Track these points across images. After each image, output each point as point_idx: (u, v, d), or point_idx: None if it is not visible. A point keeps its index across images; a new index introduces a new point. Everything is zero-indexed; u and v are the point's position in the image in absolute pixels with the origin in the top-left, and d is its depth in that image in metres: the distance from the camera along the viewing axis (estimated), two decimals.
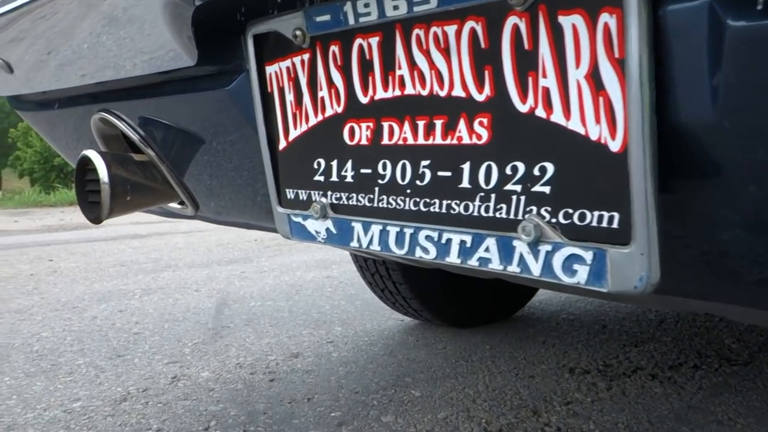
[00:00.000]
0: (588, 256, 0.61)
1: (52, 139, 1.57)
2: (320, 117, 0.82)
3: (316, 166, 0.86)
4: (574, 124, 0.60)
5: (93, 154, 1.22)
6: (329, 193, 0.85)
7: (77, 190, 1.28)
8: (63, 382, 2.00)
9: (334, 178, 0.83)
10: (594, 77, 0.57)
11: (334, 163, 0.83)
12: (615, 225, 0.59)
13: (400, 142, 0.74)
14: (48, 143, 1.63)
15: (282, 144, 0.89)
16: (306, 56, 0.82)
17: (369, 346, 2.33)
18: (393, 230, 0.78)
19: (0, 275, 3.86)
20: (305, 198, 0.88)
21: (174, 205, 1.40)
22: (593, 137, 0.59)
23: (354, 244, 0.82)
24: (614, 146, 0.57)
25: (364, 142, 0.78)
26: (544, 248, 0.64)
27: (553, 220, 0.63)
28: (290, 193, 0.91)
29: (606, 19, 0.55)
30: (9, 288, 3.46)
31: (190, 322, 2.67)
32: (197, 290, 3.30)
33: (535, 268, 0.65)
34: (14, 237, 6.12)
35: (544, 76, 0.61)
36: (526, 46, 0.62)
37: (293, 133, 0.87)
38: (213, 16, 0.88)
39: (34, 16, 1.08)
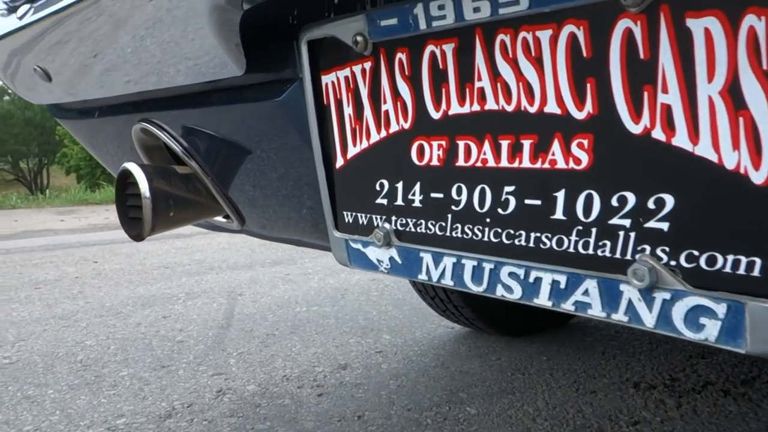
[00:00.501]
0: (720, 309, 0.50)
1: (93, 147, 1.50)
2: (384, 133, 0.73)
3: (378, 187, 0.76)
4: (704, 150, 0.49)
5: (133, 168, 1.15)
6: (393, 218, 0.75)
7: (118, 205, 1.21)
8: (107, 396, 1.95)
9: (400, 201, 0.74)
10: (732, 93, 0.47)
11: (400, 185, 0.73)
12: (756, 273, 0.48)
13: (479, 164, 0.65)
14: (90, 152, 1.56)
15: (339, 162, 0.80)
16: (368, 65, 0.72)
17: (419, 357, 2.23)
18: (469, 264, 0.68)
19: (47, 278, 3.86)
20: (365, 222, 0.79)
21: (219, 219, 1.32)
22: (729, 166, 0.48)
23: (422, 276, 0.73)
24: (758, 178, 0.47)
25: (435, 162, 0.68)
26: (661, 296, 0.54)
27: (673, 263, 0.53)
28: (348, 217, 0.82)
29: (752, 21, 0.44)
30: (55, 292, 3.44)
31: (234, 329, 2.61)
32: (241, 294, 3.24)
33: (648, 319, 0.55)
34: (61, 237, 6.17)
35: (665, 91, 0.50)
36: (642, 55, 0.51)
37: (352, 150, 0.78)
38: (263, 20, 0.79)
39: (73, 22, 1.01)
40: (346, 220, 0.82)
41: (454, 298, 2.23)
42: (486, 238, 0.66)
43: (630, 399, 1.84)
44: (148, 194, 1.13)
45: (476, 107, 0.63)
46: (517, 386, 1.95)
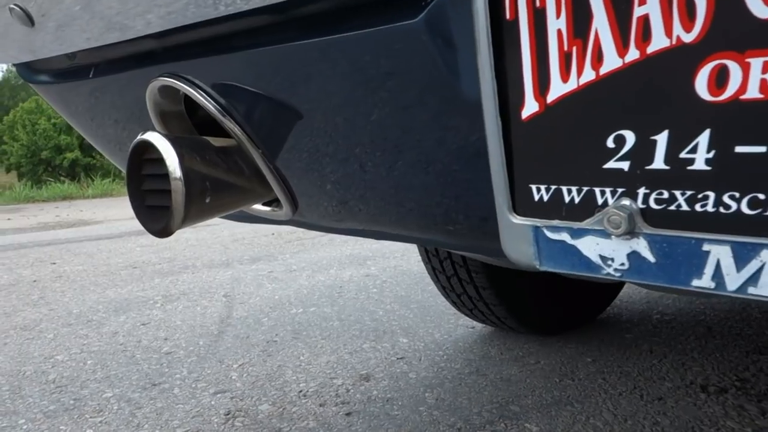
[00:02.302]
0: None
1: (80, 120, 1.18)
2: (633, 54, 0.45)
3: (613, 143, 0.49)
4: None
5: (157, 139, 0.84)
6: (642, 191, 0.48)
7: (132, 190, 0.91)
8: (92, 425, 1.62)
9: (659, 164, 0.46)
10: None
11: (663, 137, 0.46)
12: None
13: None
14: (76, 129, 1.24)
15: (530, 108, 0.52)
16: None
17: (448, 363, 1.96)
18: None
19: (0, 282, 3.47)
20: (579, 200, 0.51)
21: (261, 207, 1.02)
22: None
23: (703, 283, 0.45)
24: None
25: (751, 94, 0.41)
26: None
27: None
28: (542, 192, 0.54)
29: None
30: (11, 298, 3.07)
31: (227, 336, 2.30)
32: (225, 295, 2.92)
33: None
34: (9, 236, 5.71)
35: None
36: None
37: (559, 89, 0.50)
38: None
39: None
40: (536, 198, 0.54)
41: (486, 295, 1.97)
42: None
43: (705, 406, 1.61)
44: (179, 174, 0.83)
45: None
46: (572, 395, 1.70)
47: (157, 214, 0.89)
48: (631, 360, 1.93)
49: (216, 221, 5.92)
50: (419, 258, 3.59)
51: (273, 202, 1.01)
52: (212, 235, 4.96)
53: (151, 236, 5.10)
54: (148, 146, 0.87)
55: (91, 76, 1.03)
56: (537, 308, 2.09)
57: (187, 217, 0.87)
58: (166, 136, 0.85)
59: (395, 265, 3.44)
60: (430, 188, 0.67)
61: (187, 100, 0.99)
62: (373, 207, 0.78)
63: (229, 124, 0.86)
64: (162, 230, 0.88)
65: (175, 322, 2.50)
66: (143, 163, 0.90)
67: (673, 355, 1.95)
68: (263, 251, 4.09)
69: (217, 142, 0.92)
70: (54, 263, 4.01)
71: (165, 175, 0.85)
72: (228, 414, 1.65)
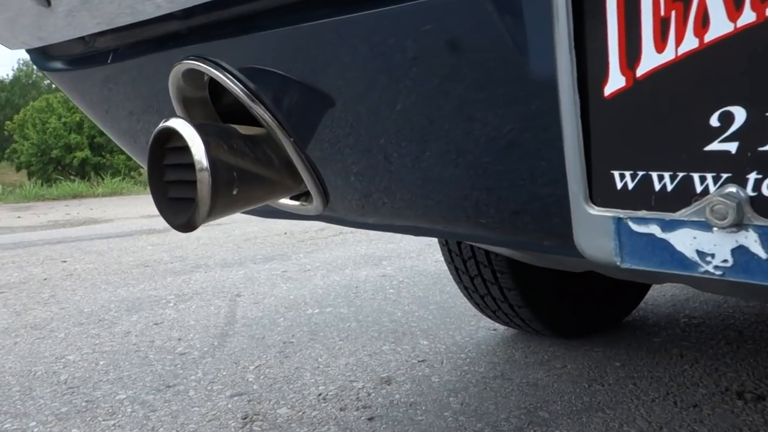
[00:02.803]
0: None
1: (97, 111, 1.13)
2: (749, 17, 0.39)
3: (717, 121, 0.42)
4: None
5: (182, 125, 0.78)
6: (752, 175, 0.41)
7: (153, 182, 0.85)
8: (105, 428, 1.57)
9: None
10: None
11: None
12: None
13: None
14: (92, 119, 1.18)
15: (616, 83, 0.46)
16: None
17: (471, 366, 1.90)
18: None
19: (10, 280, 3.42)
20: (675, 186, 0.45)
21: (288, 201, 0.96)
22: None
23: None
24: None
25: None
26: None
27: None
28: (626, 179, 0.47)
29: None
30: (22, 296, 3.02)
31: (242, 336, 2.24)
32: (239, 295, 2.86)
33: None
34: (19, 234, 5.68)
35: None
36: None
37: (653, 60, 0.44)
38: None
39: None
40: (619, 186, 0.48)
41: (511, 296, 1.90)
42: None
43: (743, 414, 1.54)
44: (205, 163, 0.77)
45: None
46: (603, 401, 1.63)
47: (180, 206, 0.83)
48: (661, 365, 1.86)
49: (227, 219, 5.88)
50: (435, 258, 3.53)
51: (302, 195, 0.95)
52: (224, 234, 4.91)
53: (162, 234, 5.06)
54: (171, 134, 0.81)
55: (109, 61, 0.97)
56: (563, 310, 2.03)
57: (212, 210, 0.81)
58: (191, 122, 0.79)
59: (411, 265, 3.37)
60: (488, 177, 0.61)
61: (212, 86, 0.93)
62: (420, 198, 0.72)
63: (259, 111, 0.80)
64: (186, 224, 0.82)
65: (189, 322, 2.44)
66: (166, 153, 0.84)
67: (705, 360, 1.88)
68: (276, 250, 4.04)
69: (244, 130, 0.86)
70: (65, 261, 3.97)
71: (190, 165, 0.79)
72: (245, 418, 1.59)
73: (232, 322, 2.42)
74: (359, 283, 3.00)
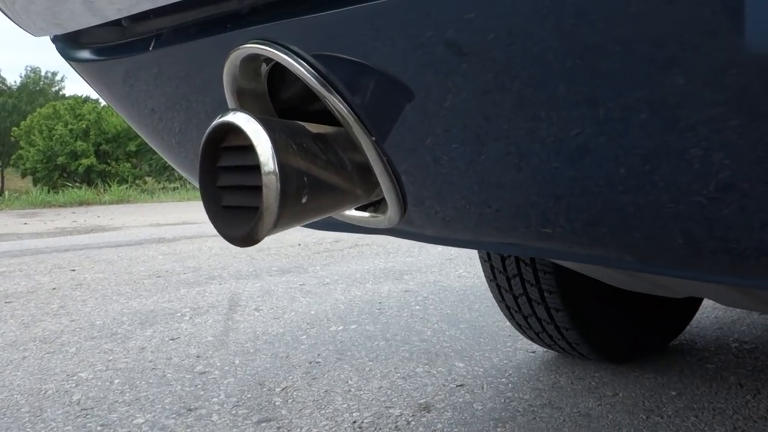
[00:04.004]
0: None
1: (132, 108, 1.00)
2: None
3: None
4: None
5: (246, 121, 0.66)
6: None
7: (205, 188, 0.72)
8: None
9: None
10: None
11: None
12: None
13: None
14: (124, 117, 1.06)
15: None
16: None
17: (515, 393, 1.76)
18: None
19: (18, 290, 3.29)
20: None
21: (355, 213, 0.83)
22: None
23: None
24: None
25: None
26: None
27: None
28: None
29: None
30: (30, 306, 2.89)
31: (265, 354, 2.11)
32: (257, 309, 2.73)
33: None
34: (26, 241, 5.55)
35: None
36: None
37: None
38: None
39: None
40: None
41: (559, 318, 1.77)
42: None
43: None
44: (274, 166, 0.65)
45: None
46: None
47: (239, 217, 0.70)
48: (720, 395, 1.72)
49: None
50: (458, 273, 3.40)
51: (370, 205, 0.82)
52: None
53: (172, 244, 4.93)
54: (230, 130, 0.68)
55: (151, 48, 0.84)
56: (611, 333, 1.89)
57: (279, 221, 0.68)
58: (255, 117, 0.66)
59: (434, 280, 3.24)
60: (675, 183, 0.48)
61: (270, 78, 0.80)
62: (541, 206, 0.59)
63: (336, 103, 0.67)
64: (245, 237, 0.69)
65: (207, 338, 2.31)
66: (221, 153, 0.72)
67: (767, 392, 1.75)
68: (292, 262, 3.91)
69: (313, 128, 0.73)
70: (73, 270, 3.84)
71: (253, 168, 0.67)
72: None
73: (252, 338, 2.29)
74: (382, 298, 2.87)
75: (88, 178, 31.46)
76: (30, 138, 35.05)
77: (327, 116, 0.78)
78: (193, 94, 0.85)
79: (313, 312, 2.65)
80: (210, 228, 6.06)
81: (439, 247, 3.97)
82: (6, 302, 2.99)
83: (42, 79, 47.86)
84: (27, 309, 2.84)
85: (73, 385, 1.88)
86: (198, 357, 2.10)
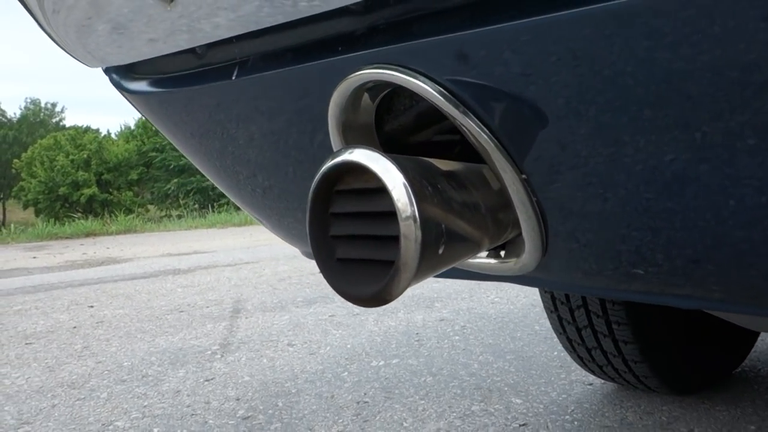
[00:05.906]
0: None
1: (201, 144, 0.90)
2: None
3: None
4: None
5: (374, 159, 0.57)
6: None
7: (316, 238, 0.62)
8: None
9: None
10: None
11: None
12: None
13: None
14: (191, 159, 0.96)
15: None
16: None
17: (581, 431, 1.65)
18: None
19: (37, 329, 3.18)
20: None
21: (484, 260, 0.73)
22: None
23: None
24: None
25: None
26: None
27: None
28: None
29: None
30: (52, 348, 2.78)
31: (308, 395, 2.00)
32: (290, 344, 2.62)
33: None
34: (38, 276, 5.45)
35: None
36: None
37: None
38: None
39: None
40: None
41: (627, 350, 1.67)
42: None
43: None
44: (413, 212, 0.55)
45: None
46: None
47: (360, 270, 0.60)
48: None
49: (249, 258, 5.64)
50: (490, 299, 3.29)
51: (500, 249, 0.72)
52: (255, 274, 4.67)
53: (189, 275, 4.81)
54: (349, 170, 0.59)
55: (234, 77, 0.75)
56: (680, 364, 1.78)
57: (417, 275, 0.58)
58: (383, 154, 0.56)
59: (467, 307, 3.13)
60: None
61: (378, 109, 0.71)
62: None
63: (483, 137, 0.58)
64: (376, 296, 0.59)
65: (243, 378, 2.20)
66: (333, 197, 0.62)
67: None
68: (316, 292, 3.80)
69: (442, 165, 0.63)
70: (92, 306, 3.73)
71: (377, 215, 0.57)
72: None
73: (291, 377, 2.18)
74: (418, 329, 2.76)
75: (90, 208, 31.40)
76: (31, 169, 35.03)
77: (439, 150, 0.69)
78: (285, 127, 0.75)
79: (349, 346, 2.54)
80: (225, 257, 5.95)
81: None
82: (26, 343, 2.88)
83: (42, 110, 47.95)
84: (49, 350, 2.73)
85: None
86: (238, 400, 1.99)
